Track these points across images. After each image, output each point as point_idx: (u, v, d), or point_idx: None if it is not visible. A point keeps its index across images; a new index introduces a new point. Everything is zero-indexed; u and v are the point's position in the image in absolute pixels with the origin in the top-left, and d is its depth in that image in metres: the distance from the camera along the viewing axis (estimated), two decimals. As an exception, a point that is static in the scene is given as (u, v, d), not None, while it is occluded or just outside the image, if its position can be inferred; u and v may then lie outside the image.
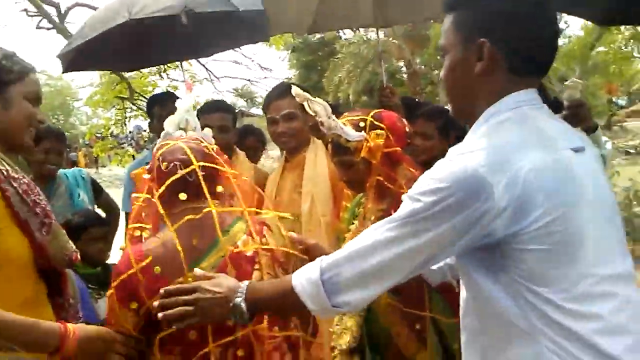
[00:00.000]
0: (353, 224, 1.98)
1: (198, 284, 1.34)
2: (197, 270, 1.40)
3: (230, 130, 2.82)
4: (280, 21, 3.40)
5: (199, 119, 2.73)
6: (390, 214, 1.75)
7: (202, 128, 2.60)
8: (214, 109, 2.88)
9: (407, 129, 1.94)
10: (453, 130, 2.58)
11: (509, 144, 1.09)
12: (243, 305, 1.28)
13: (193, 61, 8.12)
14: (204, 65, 9.98)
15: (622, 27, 13.93)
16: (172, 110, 1.73)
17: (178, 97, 2.77)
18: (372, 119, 1.84)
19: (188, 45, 3.81)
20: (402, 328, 1.76)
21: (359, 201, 2.03)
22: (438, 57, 14.72)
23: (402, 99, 3.13)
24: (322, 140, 2.48)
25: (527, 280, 1.08)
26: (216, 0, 3.49)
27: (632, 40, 17.78)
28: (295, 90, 1.82)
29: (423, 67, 19.48)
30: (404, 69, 19.42)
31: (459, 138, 2.45)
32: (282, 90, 2.56)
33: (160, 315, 1.35)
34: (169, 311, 1.34)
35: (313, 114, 1.78)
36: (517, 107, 1.16)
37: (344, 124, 1.83)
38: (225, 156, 1.67)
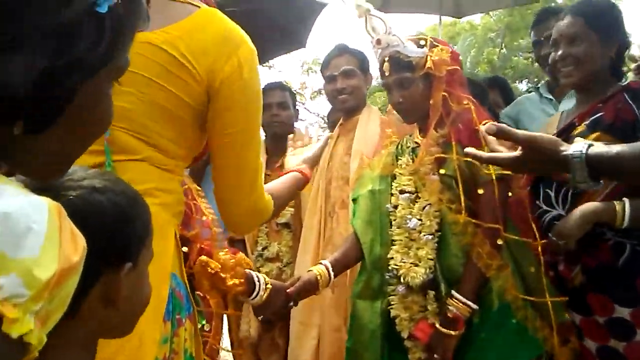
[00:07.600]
0: (399, 159, 1.83)
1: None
2: None
3: (289, 108, 2.80)
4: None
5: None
6: (454, 140, 1.56)
7: (264, 107, 2.59)
8: (274, 87, 2.86)
9: None
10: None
11: None
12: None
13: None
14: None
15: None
16: None
17: None
18: (431, 39, 1.73)
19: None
20: (484, 246, 1.58)
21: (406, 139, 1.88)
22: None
23: None
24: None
25: None
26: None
27: None
28: (357, 0, 1.67)
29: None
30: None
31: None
32: (341, 49, 2.49)
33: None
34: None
35: (370, 31, 1.65)
36: None
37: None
38: None
